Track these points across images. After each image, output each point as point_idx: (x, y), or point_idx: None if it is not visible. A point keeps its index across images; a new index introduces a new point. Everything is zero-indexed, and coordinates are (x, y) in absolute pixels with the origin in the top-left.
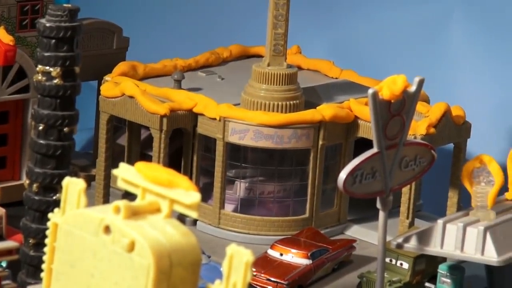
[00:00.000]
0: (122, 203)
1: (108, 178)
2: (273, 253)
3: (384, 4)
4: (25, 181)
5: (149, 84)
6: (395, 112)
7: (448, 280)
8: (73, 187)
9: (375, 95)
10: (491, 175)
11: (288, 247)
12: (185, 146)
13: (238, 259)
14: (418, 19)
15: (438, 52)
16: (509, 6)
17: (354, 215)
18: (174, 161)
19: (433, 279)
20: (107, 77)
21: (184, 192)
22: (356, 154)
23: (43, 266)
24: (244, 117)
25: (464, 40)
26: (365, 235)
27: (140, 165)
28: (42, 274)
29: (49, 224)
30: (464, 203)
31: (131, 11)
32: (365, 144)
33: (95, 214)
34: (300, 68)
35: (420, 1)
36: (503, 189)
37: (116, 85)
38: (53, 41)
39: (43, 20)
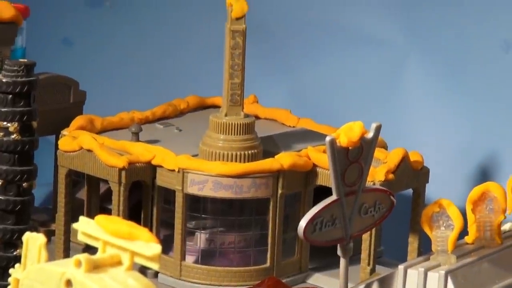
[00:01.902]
0: (83, 257)
1: (68, 232)
2: None
3: (339, 52)
4: None
5: (107, 137)
6: (353, 159)
7: None
8: (33, 242)
9: (332, 142)
10: (451, 219)
11: None
12: (144, 198)
13: None
14: (373, 65)
15: (395, 98)
16: (464, 51)
17: (316, 263)
18: (134, 214)
19: None
20: (64, 131)
21: (145, 244)
22: (315, 202)
23: None
24: (203, 168)
25: (420, 85)
26: (327, 283)
27: (100, 218)
28: None
29: (10, 280)
30: (425, 248)
31: (87, 65)
32: (324, 191)
33: (56, 268)
34: (257, 117)
35: (375, 46)
36: (463, 233)
37: (74, 139)
38: (10, 96)
39: None
